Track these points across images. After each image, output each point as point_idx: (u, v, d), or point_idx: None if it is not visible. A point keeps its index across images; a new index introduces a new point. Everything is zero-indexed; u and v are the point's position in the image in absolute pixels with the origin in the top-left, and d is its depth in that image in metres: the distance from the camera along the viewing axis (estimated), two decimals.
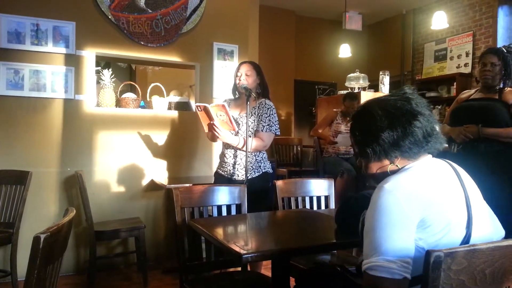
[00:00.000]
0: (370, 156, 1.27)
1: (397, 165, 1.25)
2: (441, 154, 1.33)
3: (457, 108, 2.95)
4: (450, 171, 1.27)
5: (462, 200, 1.19)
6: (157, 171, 3.73)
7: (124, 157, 3.62)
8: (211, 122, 2.63)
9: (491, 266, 0.99)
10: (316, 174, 5.35)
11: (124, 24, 3.58)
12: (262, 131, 2.74)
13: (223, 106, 2.58)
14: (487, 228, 1.22)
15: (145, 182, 3.69)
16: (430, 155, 1.28)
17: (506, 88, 2.74)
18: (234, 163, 2.80)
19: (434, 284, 0.93)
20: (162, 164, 3.76)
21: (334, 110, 5.21)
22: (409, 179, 1.18)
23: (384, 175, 1.26)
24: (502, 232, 1.27)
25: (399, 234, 1.09)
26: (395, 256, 1.07)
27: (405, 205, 1.11)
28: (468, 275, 0.97)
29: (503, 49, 2.85)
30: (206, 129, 2.76)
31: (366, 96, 5.65)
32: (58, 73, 3.37)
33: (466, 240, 1.14)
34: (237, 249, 1.47)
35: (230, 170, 2.82)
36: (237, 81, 2.82)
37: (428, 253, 0.93)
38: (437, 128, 1.26)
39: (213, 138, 2.80)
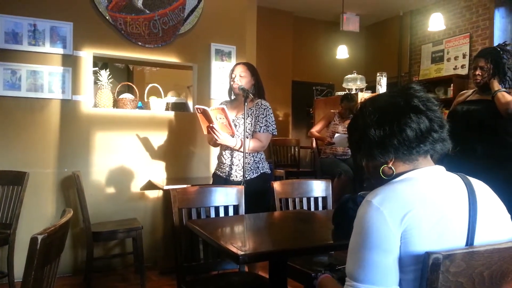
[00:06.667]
0: (361, 154, 1.20)
1: (391, 167, 1.15)
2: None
3: (453, 112, 2.96)
4: (459, 188, 1.11)
5: (463, 223, 1.05)
6: (154, 172, 3.72)
7: (122, 158, 3.60)
8: (211, 125, 2.62)
9: (489, 269, 0.99)
10: (314, 175, 5.36)
11: (121, 25, 3.58)
12: (259, 132, 2.74)
13: (223, 109, 2.57)
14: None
15: (142, 183, 3.68)
16: (439, 166, 1.16)
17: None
18: (232, 164, 2.80)
19: (432, 286, 0.93)
20: (160, 165, 3.76)
21: (332, 111, 5.22)
22: (399, 192, 1.06)
23: (378, 176, 1.18)
24: None
25: (385, 259, 1.01)
26: (381, 286, 1.02)
27: (391, 224, 1.01)
28: (467, 277, 0.97)
29: (497, 48, 2.85)
30: (205, 131, 2.75)
31: (363, 98, 5.67)
32: (56, 73, 3.36)
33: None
34: (234, 250, 1.47)
35: (228, 171, 2.81)
36: (231, 83, 2.83)
37: (427, 254, 0.93)
38: (442, 128, 1.14)
39: (214, 143, 2.80)
